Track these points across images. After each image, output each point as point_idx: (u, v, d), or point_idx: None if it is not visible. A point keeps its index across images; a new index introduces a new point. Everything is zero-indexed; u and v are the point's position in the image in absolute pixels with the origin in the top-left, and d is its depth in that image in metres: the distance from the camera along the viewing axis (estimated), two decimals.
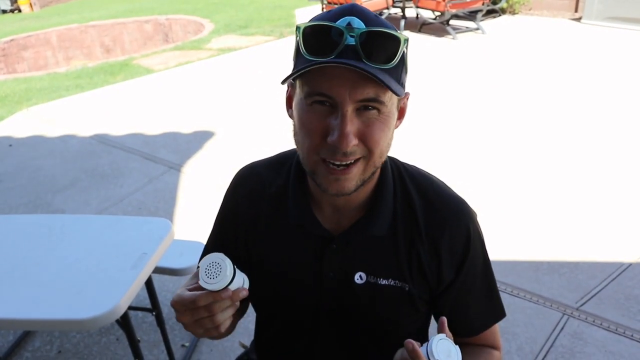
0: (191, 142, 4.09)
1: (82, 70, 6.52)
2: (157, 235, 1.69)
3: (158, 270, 1.99)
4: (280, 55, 6.43)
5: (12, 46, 8.81)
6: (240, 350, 1.47)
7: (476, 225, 0.89)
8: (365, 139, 0.74)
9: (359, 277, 0.87)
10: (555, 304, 2.21)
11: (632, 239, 2.59)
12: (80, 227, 1.81)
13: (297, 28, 0.74)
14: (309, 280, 0.89)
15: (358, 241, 0.87)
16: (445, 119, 4.25)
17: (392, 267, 0.87)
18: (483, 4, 6.90)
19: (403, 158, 0.94)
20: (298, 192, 0.89)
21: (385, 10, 7.26)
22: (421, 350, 0.72)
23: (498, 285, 0.95)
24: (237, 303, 0.75)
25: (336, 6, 0.77)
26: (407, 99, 0.83)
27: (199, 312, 0.73)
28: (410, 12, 7.40)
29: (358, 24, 0.70)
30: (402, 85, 0.76)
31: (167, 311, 2.13)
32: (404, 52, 0.73)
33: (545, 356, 1.97)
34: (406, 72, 0.77)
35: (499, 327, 0.97)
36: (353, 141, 0.72)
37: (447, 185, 0.92)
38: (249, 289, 0.78)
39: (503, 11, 7.80)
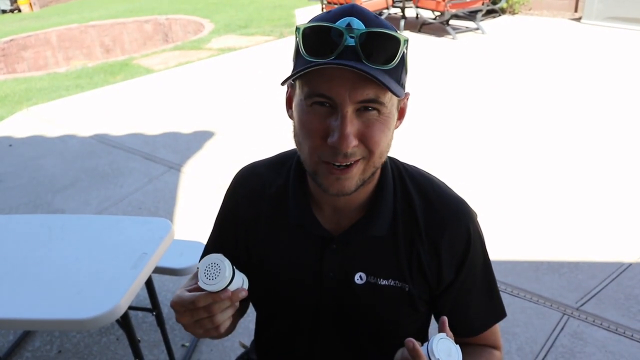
0: (191, 142, 4.09)
1: (82, 70, 6.52)
2: (157, 235, 1.69)
3: (158, 270, 1.99)
4: (280, 55, 6.43)
5: (12, 46, 8.81)
6: (241, 350, 1.47)
7: (476, 226, 0.89)
8: (365, 140, 0.74)
9: (359, 278, 0.87)
10: (555, 304, 2.21)
11: (632, 239, 2.59)
12: (80, 227, 1.81)
13: (297, 29, 0.74)
14: (309, 281, 0.89)
15: (358, 241, 0.87)
16: (445, 119, 4.25)
17: (392, 267, 0.87)
18: (483, 4, 6.90)
19: (403, 158, 0.94)
20: (298, 192, 0.89)
21: (385, 10, 7.26)
22: (422, 349, 0.72)
23: (498, 285, 0.95)
24: (237, 303, 0.75)
25: (336, 6, 0.77)
26: (407, 99, 0.83)
27: (198, 312, 0.73)
28: (410, 12, 7.39)
29: (358, 24, 0.70)
30: (402, 86, 0.76)
31: (167, 311, 2.13)
32: (404, 52, 0.73)
33: (545, 356, 1.97)
34: (406, 73, 0.77)
35: (499, 327, 0.97)
36: (353, 142, 0.72)
37: (447, 186, 0.92)
38: (249, 289, 0.78)
39: (503, 11, 7.80)
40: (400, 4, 7.20)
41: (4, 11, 13.13)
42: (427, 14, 7.02)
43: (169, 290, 2.43)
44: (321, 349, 0.95)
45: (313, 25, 0.72)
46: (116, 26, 9.69)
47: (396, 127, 0.81)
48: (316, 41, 0.72)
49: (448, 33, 6.71)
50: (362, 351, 0.94)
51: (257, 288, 0.87)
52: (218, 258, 0.72)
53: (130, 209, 3.19)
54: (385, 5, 7.23)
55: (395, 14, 7.60)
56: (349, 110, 0.71)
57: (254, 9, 9.74)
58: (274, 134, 4.00)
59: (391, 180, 0.89)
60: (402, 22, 7.17)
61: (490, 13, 7.58)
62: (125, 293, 1.44)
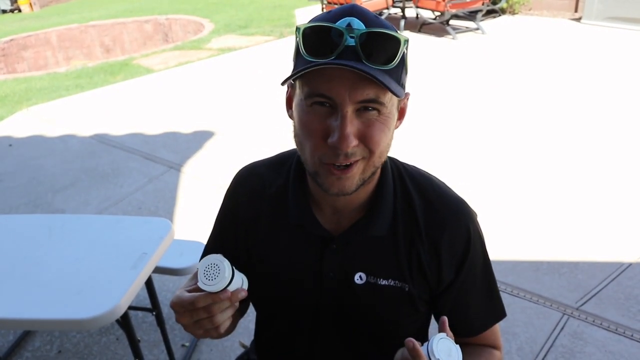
0: (191, 142, 4.09)
1: (82, 70, 6.52)
2: (157, 235, 1.69)
3: (158, 270, 1.99)
4: (280, 55, 6.43)
5: (12, 46, 8.81)
6: (241, 350, 1.48)
7: (476, 226, 0.89)
8: (365, 140, 0.74)
9: (359, 278, 0.87)
10: (555, 304, 2.21)
11: (632, 239, 2.59)
12: (80, 227, 1.81)
13: (297, 29, 0.74)
14: (309, 281, 0.89)
15: (358, 241, 0.87)
16: (445, 119, 4.25)
17: (392, 267, 0.87)
18: (483, 4, 6.90)
19: (403, 158, 0.94)
20: (298, 192, 0.89)
21: (385, 10, 7.26)
22: (422, 349, 0.72)
23: (498, 285, 0.95)
24: (237, 304, 0.75)
25: (336, 6, 0.77)
26: (407, 99, 0.83)
27: (198, 313, 0.73)
28: (410, 12, 7.39)
29: (358, 24, 0.70)
30: (402, 86, 0.76)
31: (167, 311, 2.13)
32: (404, 52, 0.73)
33: (545, 356, 1.97)
34: (406, 73, 0.77)
35: (499, 327, 0.97)
36: (353, 142, 0.72)
37: (447, 186, 0.92)
38: (249, 289, 0.78)
39: (503, 11, 7.80)
40: (400, 4, 7.20)
41: (4, 11, 13.14)
42: (427, 14, 7.02)
43: (169, 290, 2.43)
44: (321, 349, 0.95)
45: (313, 25, 0.72)
46: (116, 26, 9.69)
47: (396, 127, 0.81)
48: (316, 41, 0.72)
49: (448, 33, 6.71)
50: (362, 351, 0.94)
51: (257, 288, 0.87)
52: (217, 258, 0.72)
53: (130, 209, 3.19)
54: (385, 5, 7.23)
55: (395, 14, 7.60)
56: (349, 110, 0.71)
57: (254, 9, 9.74)
58: (274, 134, 4.00)
59: (391, 180, 0.88)
60: (402, 22, 7.17)
61: (490, 13, 7.58)
62: (125, 293, 1.44)
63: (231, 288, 0.72)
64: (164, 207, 3.18)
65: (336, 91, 0.71)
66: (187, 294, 0.74)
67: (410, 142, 3.70)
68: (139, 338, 1.82)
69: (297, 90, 0.77)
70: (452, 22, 6.87)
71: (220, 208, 1.01)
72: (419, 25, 7.11)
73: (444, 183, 0.93)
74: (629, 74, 4.97)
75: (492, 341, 0.96)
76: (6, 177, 3.71)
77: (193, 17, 9.40)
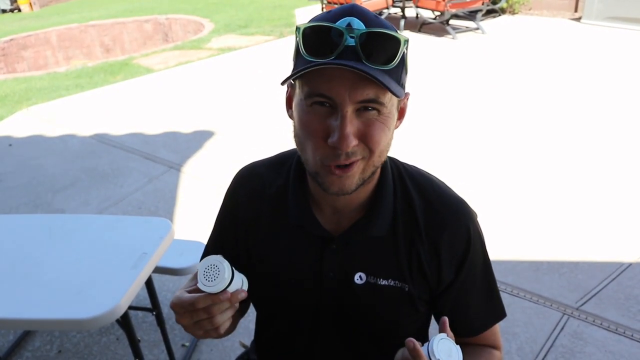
0: (191, 141, 4.09)
1: (82, 70, 6.52)
2: (157, 235, 1.69)
3: (158, 270, 1.99)
4: (280, 55, 6.43)
5: (12, 46, 8.81)
6: (241, 350, 1.47)
7: (476, 226, 0.89)
8: (365, 140, 0.74)
9: (359, 278, 0.87)
10: (555, 304, 2.21)
11: (632, 239, 2.59)
12: (80, 227, 1.81)
13: (297, 29, 0.74)
14: (309, 281, 0.89)
15: (358, 241, 0.87)
16: (445, 119, 4.25)
17: (392, 267, 0.87)
18: (483, 4, 6.90)
19: (403, 158, 0.94)
20: (298, 193, 0.89)
21: (385, 10, 7.26)
22: (422, 349, 0.72)
23: (498, 285, 0.95)
24: (237, 304, 0.75)
25: (336, 6, 0.77)
26: (407, 99, 0.83)
27: (198, 314, 0.73)
28: (410, 12, 7.39)
29: (358, 24, 0.70)
30: (402, 86, 0.76)
31: (167, 311, 2.13)
32: (404, 53, 0.73)
33: (545, 356, 1.97)
34: (406, 73, 0.77)
35: (499, 327, 0.97)
36: (353, 142, 0.72)
37: (447, 186, 0.92)
38: (249, 289, 0.78)
39: (503, 11, 7.80)
40: (400, 4, 7.20)
41: (4, 11, 13.14)
42: (427, 14, 7.02)
43: (169, 290, 2.43)
44: (321, 349, 0.95)
45: (313, 25, 0.72)
46: (116, 26, 9.69)
47: (396, 127, 0.81)
48: (316, 41, 0.72)
49: (448, 33, 6.71)
50: (362, 351, 0.94)
51: (257, 288, 0.87)
52: (217, 259, 0.72)
53: (130, 208, 3.19)
54: (385, 5, 7.23)
55: (395, 13, 7.60)
56: (349, 110, 0.71)
57: (254, 9, 9.74)
58: (274, 134, 4.00)
59: (391, 180, 0.88)
60: (402, 22, 7.17)
61: (490, 13, 7.58)
62: (125, 293, 1.44)
63: (231, 289, 0.72)
64: (164, 207, 3.18)
65: (336, 91, 0.71)
66: (187, 295, 0.74)
67: (410, 142, 3.70)
68: (139, 338, 1.82)
69: (297, 90, 0.77)
70: (452, 21, 6.87)
71: (220, 208, 1.01)
72: (419, 25, 7.11)
73: (444, 183, 0.93)
74: (629, 74, 4.97)
75: (492, 341, 0.96)
76: (6, 177, 3.71)
77: (193, 16, 9.40)
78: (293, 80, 0.76)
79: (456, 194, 0.91)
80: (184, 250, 2.10)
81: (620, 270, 2.38)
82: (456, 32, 6.73)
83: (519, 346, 2.02)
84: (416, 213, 0.87)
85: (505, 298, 1.13)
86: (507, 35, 6.70)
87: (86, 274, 1.54)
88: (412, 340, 0.72)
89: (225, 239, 0.98)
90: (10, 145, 4.25)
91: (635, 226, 2.69)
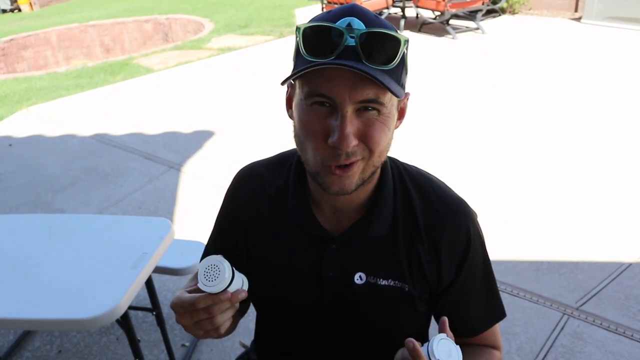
0: (191, 141, 4.09)
1: (82, 70, 6.52)
2: (157, 235, 1.69)
3: (158, 270, 1.99)
4: (280, 55, 6.43)
5: (12, 46, 8.81)
6: (241, 350, 1.47)
7: (476, 226, 0.89)
8: (365, 140, 0.74)
9: (359, 278, 0.87)
10: (555, 304, 2.21)
11: (632, 239, 2.59)
12: (80, 227, 1.81)
13: (297, 29, 0.74)
14: (309, 281, 0.89)
15: (358, 241, 0.87)
16: (445, 119, 4.25)
17: (392, 267, 0.87)
18: (483, 4, 6.90)
19: (403, 158, 0.94)
20: (298, 193, 0.89)
21: (385, 10, 7.26)
22: (422, 349, 0.72)
23: (498, 285, 0.95)
24: (237, 304, 0.75)
25: (336, 6, 0.77)
26: (407, 99, 0.83)
27: (198, 314, 0.73)
28: (410, 12, 7.39)
29: (358, 24, 0.70)
30: (402, 86, 0.76)
31: (167, 311, 2.13)
32: (404, 53, 0.73)
33: (545, 356, 1.97)
34: (406, 73, 0.77)
35: (499, 327, 0.97)
36: (353, 142, 0.72)
37: (447, 186, 0.92)
38: (249, 289, 0.78)
39: (503, 11, 7.80)
40: (400, 4, 7.20)
41: (4, 11, 13.14)
42: (427, 14, 7.02)
43: (169, 290, 2.43)
44: (321, 349, 0.95)
45: (313, 25, 0.72)
46: (116, 26, 9.69)
47: (396, 127, 0.81)
48: (316, 41, 0.72)
49: (448, 33, 6.71)
50: (362, 351, 0.94)
51: (257, 288, 0.87)
52: (218, 259, 0.72)
53: (130, 208, 3.19)
54: (385, 5, 7.23)
55: (395, 13, 7.60)
56: (349, 110, 0.71)
57: (254, 9, 9.74)
58: (274, 134, 4.00)
59: (391, 180, 0.88)
60: (402, 22, 7.17)
61: (490, 13, 7.58)
62: (125, 293, 1.44)
63: (231, 289, 0.72)
64: (164, 207, 3.18)
65: (336, 91, 0.70)
66: (188, 295, 0.74)
67: (410, 142, 3.70)
68: (139, 338, 1.82)
69: (297, 90, 0.77)
70: (452, 21, 6.87)
71: (220, 208, 1.01)
72: (419, 25, 7.11)
73: (444, 183, 0.93)
74: (629, 74, 4.97)
75: (492, 341, 0.96)
76: (6, 177, 3.71)
77: (193, 16, 9.40)
78: (293, 80, 0.76)
79: (456, 194, 0.91)
80: (184, 250, 2.10)
81: (620, 270, 2.38)
82: (456, 32, 6.73)
83: (519, 346, 2.02)
84: (416, 213, 0.87)
85: (505, 298, 1.13)
86: (507, 35, 6.70)
87: (86, 274, 1.54)
88: (412, 341, 0.72)
89: (225, 239, 0.98)
90: (10, 145, 4.25)
91: (635, 226, 2.69)
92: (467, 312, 0.92)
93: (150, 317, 2.19)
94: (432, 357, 0.72)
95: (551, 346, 2.01)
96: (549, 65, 5.39)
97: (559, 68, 5.28)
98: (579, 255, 2.50)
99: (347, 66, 0.68)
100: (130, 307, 1.61)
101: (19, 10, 13.10)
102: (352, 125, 0.72)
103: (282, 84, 0.78)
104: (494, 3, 7.45)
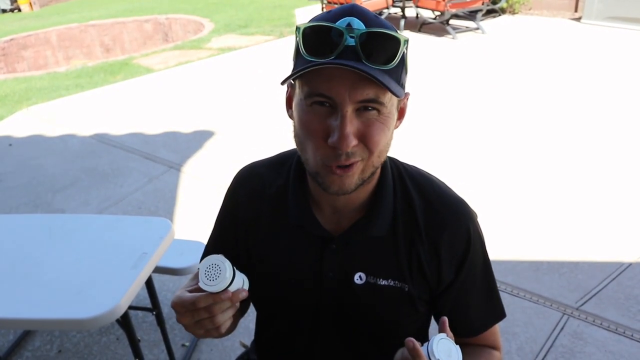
0: (191, 141, 4.09)
1: (82, 70, 6.52)
2: (157, 235, 1.69)
3: (158, 269, 1.99)
4: (280, 54, 6.43)
5: (12, 45, 8.81)
6: (241, 350, 1.48)
7: (476, 226, 0.89)
8: (365, 140, 0.74)
9: (359, 278, 0.87)
10: (555, 304, 2.21)
11: (632, 239, 2.59)
12: (80, 227, 1.81)
13: (297, 28, 0.74)
14: (309, 281, 0.89)
15: (358, 241, 0.87)
16: (445, 119, 4.25)
17: (392, 267, 0.87)
18: (483, 4, 6.90)
19: (403, 158, 0.94)
20: (298, 193, 0.89)
21: (385, 10, 7.26)
22: (422, 349, 0.72)
23: (498, 285, 0.95)
24: (237, 304, 0.75)
25: (336, 6, 0.77)
26: (407, 99, 0.83)
27: (199, 313, 0.73)
28: (410, 12, 7.39)
29: (358, 24, 0.70)
30: (402, 86, 0.76)
31: (167, 311, 2.13)
32: (404, 52, 0.73)
33: (545, 356, 1.97)
34: (406, 73, 0.77)
35: (499, 327, 0.97)
36: (353, 142, 0.72)
37: (447, 186, 0.92)
38: (249, 289, 0.78)
39: (503, 11, 7.80)
40: (400, 4, 7.20)
41: (4, 10, 13.14)
42: (427, 14, 7.02)
43: (169, 290, 2.43)
44: (321, 349, 0.95)
45: (313, 25, 0.72)
46: (116, 26, 9.69)
47: (396, 127, 0.81)
48: (316, 41, 0.72)
49: (448, 33, 6.71)
50: (362, 351, 0.94)
51: (258, 288, 0.87)
52: (218, 259, 0.72)
53: (130, 208, 3.19)
54: (385, 5, 7.23)
55: (395, 13, 7.60)
56: (349, 110, 0.71)
57: (254, 9, 9.74)
58: (274, 134, 4.00)
59: (391, 180, 0.88)
60: (402, 22, 7.17)
61: (490, 13, 7.58)
62: (125, 293, 1.44)
63: (232, 288, 0.72)
64: (164, 207, 3.18)
65: (336, 91, 0.71)
66: (188, 294, 0.74)
67: (410, 142, 3.70)
68: (139, 338, 1.82)
69: (297, 90, 0.77)
70: (452, 21, 6.87)
71: (221, 208, 1.01)
72: (419, 25, 7.11)
73: (444, 183, 0.93)
74: (629, 74, 4.97)
75: (491, 342, 0.96)
76: (6, 176, 3.71)
77: (193, 16, 9.40)
78: (293, 80, 0.76)
79: (456, 194, 0.91)
80: (184, 250, 2.10)
81: (620, 270, 2.38)
82: (456, 32, 6.73)
83: (519, 346, 2.02)
84: (416, 213, 0.87)
85: (505, 298, 1.13)
86: (507, 35, 6.70)
87: (86, 273, 1.54)
88: (412, 340, 0.72)
89: (225, 239, 0.98)
90: (10, 145, 4.25)
91: (635, 226, 2.70)
92: (467, 312, 0.92)
93: (150, 317, 2.19)
94: (431, 357, 0.72)
95: (551, 346, 2.01)
96: (549, 65, 5.39)
97: (559, 68, 5.28)
98: (579, 255, 2.50)
99: (347, 66, 0.68)
100: (130, 307, 1.61)
101: (19, 10, 13.10)
102: (352, 125, 0.72)
103: (282, 83, 0.78)
104: (494, 3, 7.45)
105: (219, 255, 0.73)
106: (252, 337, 1.13)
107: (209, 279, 0.71)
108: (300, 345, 0.97)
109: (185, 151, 3.92)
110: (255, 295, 0.89)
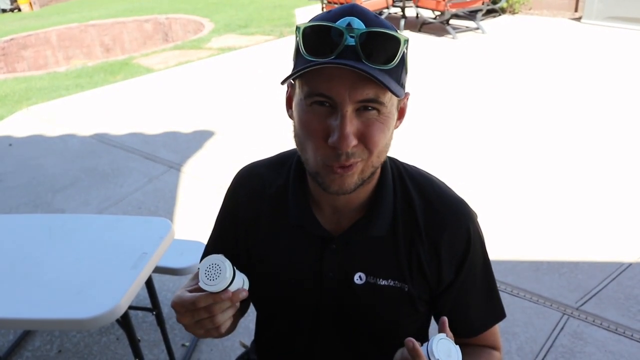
0: (191, 141, 4.09)
1: (82, 70, 6.52)
2: (157, 235, 1.69)
3: (158, 269, 1.99)
4: (280, 54, 6.43)
5: (12, 45, 8.81)
6: (241, 350, 1.47)
7: (476, 226, 0.89)
8: (364, 140, 0.74)
9: (359, 278, 0.87)
10: (555, 304, 2.21)
11: (632, 239, 2.59)
12: (80, 227, 1.81)
13: (297, 28, 0.74)
14: (309, 281, 0.89)
15: (358, 242, 0.87)
16: (445, 119, 4.25)
17: (392, 267, 0.87)
18: (483, 4, 6.90)
19: (403, 158, 0.94)
20: (298, 192, 0.89)
21: (385, 10, 7.26)
22: (421, 349, 0.72)
23: (498, 285, 0.95)
24: (237, 304, 0.75)
25: (336, 6, 0.77)
26: (407, 99, 0.83)
27: (199, 313, 0.73)
28: (410, 12, 7.39)
29: (358, 24, 0.70)
30: (402, 86, 0.76)
31: (167, 311, 2.13)
32: (404, 52, 0.73)
33: (545, 356, 1.97)
34: (406, 73, 0.77)
35: (499, 327, 0.97)
36: (353, 142, 0.72)
37: (447, 186, 0.92)
38: (249, 289, 0.78)
39: (503, 11, 7.80)
40: (401, 4, 7.20)
41: (4, 10, 13.13)
42: (427, 14, 7.02)
43: (169, 290, 2.43)
44: (321, 349, 0.95)
45: (313, 25, 0.72)
46: (116, 25, 9.69)
47: (396, 127, 0.81)
48: (316, 41, 0.72)
49: (448, 33, 6.71)
50: (362, 351, 0.94)
51: (258, 288, 0.87)
52: (219, 259, 0.72)
53: (130, 208, 3.19)
54: (385, 5, 7.23)
55: (396, 13, 7.60)
56: (349, 109, 0.71)
57: (254, 9, 9.74)
58: (274, 134, 4.00)
59: (391, 180, 0.88)
60: (402, 22, 7.17)
61: (490, 13, 7.58)
62: (125, 293, 1.44)
63: (232, 288, 0.72)
64: (164, 207, 3.18)
65: (336, 91, 0.70)
66: (188, 294, 0.74)
67: (410, 142, 3.70)
68: (139, 338, 1.82)
69: (297, 90, 0.77)
70: (452, 21, 6.87)
71: (221, 208, 1.01)
72: (419, 25, 7.11)
73: (444, 183, 0.93)
74: (629, 74, 4.97)
75: (491, 342, 0.96)
76: (6, 176, 3.71)
77: (193, 16, 9.40)
78: (293, 79, 0.76)
79: (456, 194, 0.91)
80: (184, 250, 2.10)
81: (620, 270, 2.38)
82: (456, 32, 6.73)
83: (519, 346, 2.02)
84: (416, 213, 0.87)
85: (505, 298, 1.13)
86: (507, 35, 6.70)
87: (86, 273, 1.54)
88: (412, 340, 0.72)
89: (225, 239, 0.98)
90: (10, 145, 4.25)
91: (635, 226, 2.69)
92: (467, 312, 0.92)
93: (150, 317, 2.19)
94: (431, 357, 0.72)
95: (551, 346, 2.01)
96: (549, 65, 5.39)
97: (559, 68, 5.28)
98: (579, 255, 2.50)
99: (347, 66, 0.67)
100: (130, 307, 1.61)
101: (19, 10, 13.10)
102: (352, 125, 0.72)
103: (282, 83, 0.78)
104: (494, 3, 7.45)
105: (219, 255, 0.73)
106: (252, 337, 1.13)
107: (209, 278, 0.71)
108: (300, 345, 0.97)
109: (185, 151, 3.92)
110: (255, 295, 0.89)
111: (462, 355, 0.75)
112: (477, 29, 6.85)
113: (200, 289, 0.73)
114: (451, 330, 0.78)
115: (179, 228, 2.92)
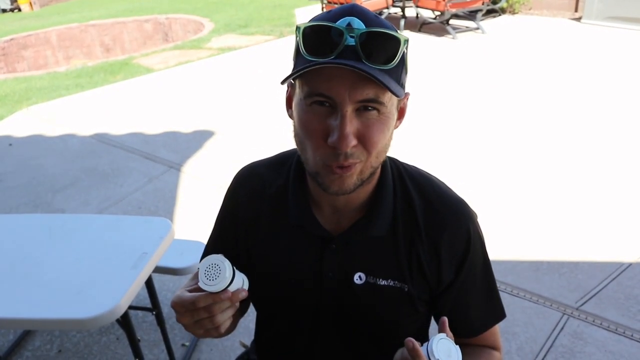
0: (191, 141, 4.09)
1: (82, 70, 6.52)
2: (157, 234, 1.69)
3: (158, 269, 1.99)
4: (280, 54, 6.43)
5: (12, 45, 8.81)
6: (241, 350, 1.48)
7: (476, 226, 0.89)
8: (364, 140, 0.74)
9: (359, 278, 0.87)
10: (555, 304, 2.21)
11: (632, 239, 2.59)
12: (80, 227, 1.81)
13: (297, 28, 0.74)
14: (309, 281, 0.89)
15: (358, 242, 0.87)
16: (445, 119, 4.25)
17: (392, 267, 0.87)
18: (483, 4, 6.90)
19: (403, 158, 0.94)
20: (298, 193, 0.89)
21: (385, 10, 7.26)
22: (421, 349, 0.72)
23: (498, 285, 0.95)
24: (237, 304, 0.75)
25: (336, 6, 0.77)
26: (407, 99, 0.83)
27: (198, 313, 0.73)
28: (410, 12, 7.39)
29: (358, 24, 0.70)
30: (402, 86, 0.76)
31: (167, 311, 2.13)
32: (404, 52, 0.73)
33: (545, 356, 1.97)
34: (406, 73, 0.77)
35: (499, 327, 0.97)
36: (353, 142, 0.72)
37: (447, 186, 0.92)
38: (249, 289, 0.78)
39: (503, 11, 7.80)
40: (401, 4, 7.20)
41: (4, 10, 13.13)
42: (427, 14, 7.02)
43: (169, 289, 2.43)
44: (321, 349, 0.95)
45: (313, 25, 0.72)
46: (116, 25, 9.69)
47: (396, 127, 0.81)
48: (316, 40, 0.72)
49: (448, 33, 6.71)
50: (362, 351, 0.94)
51: (257, 288, 0.87)
52: (218, 259, 0.72)
53: (130, 208, 3.19)
54: (385, 5, 7.23)
55: (396, 13, 7.60)
56: (349, 109, 0.71)
57: (254, 9, 9.74)
58: (274, 134, 4.00)
59: (391, 180, 0.88)
60: (402, 22, 7.17)
61: (490, 13, 7.58)
62: (125, 293, 1.44)
63: (232, 288, 0.72)
64: (164, 207, 3.18)
65: (336, 90, 0.70)
66: (188, 294, 0.74)
67: (410, 142, 3.70)
68: (139, 338, 1.82)
69: (297, 90, 0.77)
70: (452, 21, 6.87)
71: (220, 208, 1.01)
72: (419, 25, 7.11)
73: (444, 183, 0.93)
74: (629, 74, 4.97)
75: (491, 342, 0.96)
76: (6, 176, 3.71)
77: (193, 16, 9.40)
78: (293, 79, 0.76)
79: (456, 194, 0.91)
80: (184, 250, 2.10)
81: (620, 270, 2.38)
82: (456, 32, 6.73)
83: (519, 346, 2.02)
84: (416, 213, 0.87)
85: (505, 298, 1.13)
86: (507, 35, 6.70)
87: (86, 273, 1.54)
88: (412, 340, 0.72)
89: (225, 239, 0.98)
90: (10, 145, 4.25)
91: (635, 226, 2.69)
92: (467, 312, 0.92)
93: (150, 317, 2.19)
94: (431, 357, 0.72)
95: (551, 346, 2.01)
96: (549, 65, 5.39)
97: (559, 68, 5.28)
98: (579, 255, 2.50)
99: (347, 65, 0.67)
100: (130, 307, 1.61)
101: (19, 9, 13.10)
102: (351, 125, 0.72)
103: (282, 83, 0.78)
104: (494, 3, 7.45)
105: (219, 255, 0.73)
106: (252, 337, 1.13)
107: (209, 278, 0.71)
108: (300, 345, 0.97)
109: (185, 151, 3.92)
110: (255, 295, 0.89)
111: (462, 355, 0.75)
112: (477, 29, 6.85)
113: (199, 289, 0.73)
114: (451, 330, 0.78)
115: (179, 228, 2.92)
